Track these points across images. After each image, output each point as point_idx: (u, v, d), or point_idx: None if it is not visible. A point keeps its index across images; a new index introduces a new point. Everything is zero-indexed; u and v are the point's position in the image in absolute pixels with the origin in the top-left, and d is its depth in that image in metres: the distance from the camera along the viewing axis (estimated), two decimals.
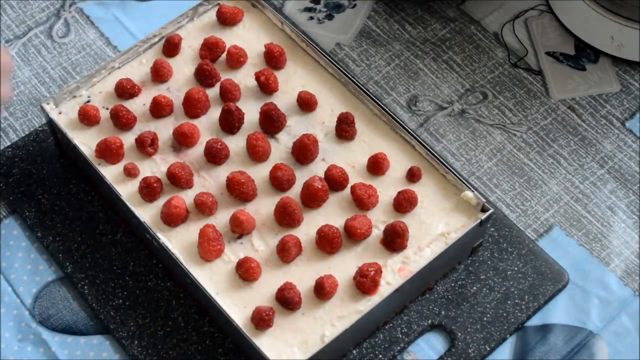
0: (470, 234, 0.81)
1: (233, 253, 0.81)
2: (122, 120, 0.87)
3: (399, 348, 0.82)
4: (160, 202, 0.83)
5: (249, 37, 0.94)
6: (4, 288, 0.87)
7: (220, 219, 0.83)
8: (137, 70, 0.92)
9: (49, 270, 0.88)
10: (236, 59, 0.92)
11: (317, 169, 0.85)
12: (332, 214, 0.83)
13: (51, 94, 0.99)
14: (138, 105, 0.90)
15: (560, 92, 0.99)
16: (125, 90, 0.89)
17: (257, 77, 0.90)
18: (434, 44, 1.03)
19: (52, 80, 1.00)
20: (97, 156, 0.86)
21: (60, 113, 0.89)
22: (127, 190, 0.84)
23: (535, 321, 0.84)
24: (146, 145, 0.85)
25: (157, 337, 0.83)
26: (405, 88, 0.99)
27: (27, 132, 0.96)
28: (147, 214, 0.83)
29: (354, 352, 0.82)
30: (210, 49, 0.92)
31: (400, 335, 0.83)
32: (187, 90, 0.88)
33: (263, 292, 0.79)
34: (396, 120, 0.86)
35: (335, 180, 0.83)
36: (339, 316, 0.77)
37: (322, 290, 0.77)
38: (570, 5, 1.01)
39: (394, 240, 0.80)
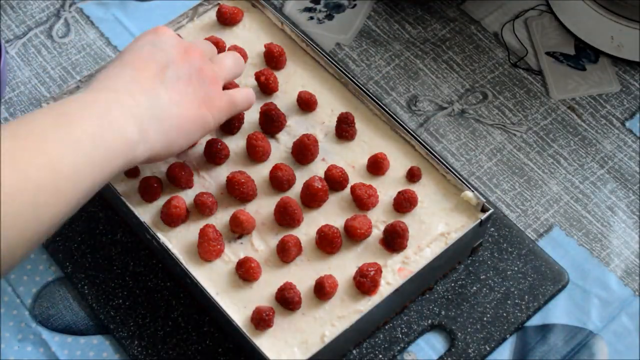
0: (470, 234, 0.81)
1: (233, 253, 0.81)
2: None
3: (399, 348, 0.82)
4: (160, 202, 0.83)
5: (249, 37, 0.94)
6: (4, 288, 0.87)
7: (220, 219, 0.83)
8: None
9: (49, 270, 0.88)
10: None
11: (317, 169, 0.85)
12: (332, 214, 0.83)
13: (51, 94, 0.99)
14: None
15: (560, 92, 0.99)
16: None
17: (257, 77, 0.90)
18: (434, 44, 1.03)
19: (52, 80, 1.00)
20: None
21: None
22: (127, 190, 0.84)
23: (535, 321, 0.84)
24: None
25: (157, 337, 0.83)
26: (405, 88, 0.99)
27: None
28: (147, 214, 0.83)
29: (354, 352, 0.82)
30: None
31: (400, 335, 0.83)
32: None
33: (263, 292, 0.79)
34: (396, 120, 0.86)
35: (335, 180, 0.83)
36: (339, 316, 0.77)
37: (322, 290, 0.77)
38: (570, 5, 1.01)
39: (394, 240, 0.80)
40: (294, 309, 0.78)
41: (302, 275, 0.79)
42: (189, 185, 0.84)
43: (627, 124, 0.97)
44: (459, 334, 0.83)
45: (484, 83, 1.00)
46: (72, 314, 0.85)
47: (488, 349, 0.82)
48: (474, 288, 0.85)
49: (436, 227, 0.82)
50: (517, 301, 0.84)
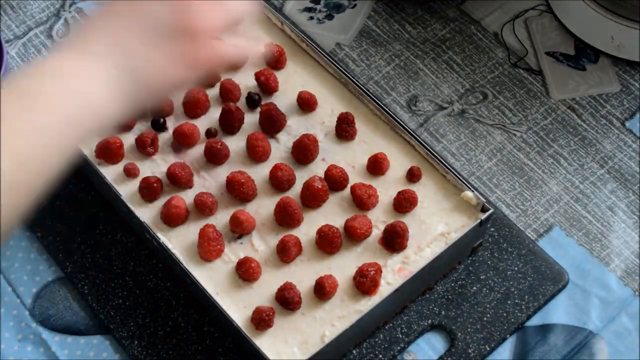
0: (470, 234, 0.81)
1: (233, 253, 0.81)
2: None
3: (399, 348, 0.82)
4: (160, 202, 0.83)
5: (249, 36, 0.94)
6: (4, 288, 0.87)
7: (220, 219, 0.83)
8: None
9: (49, 270, 0.88)
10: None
11: (317, 169, 0.85)
12: (332, 214, 0.83)
13: None
14: None
15: (560, 92, 0.99)
16: None
17: (257, 77, 0.90)
18: (434, 44, 1.03)
19: None
20: (97, 156, 0.86)
21: None
22: (127, 190, 0.84)
23: (535, 321, 0.84)
24: (146, 146, 0.85)
25: (157, 337, 0.83)
26: (405, 88, 0.99)
27: None
28: (147, 214, 0.83)
29: (354, 352, 0.82)
30: None
31: (400, 335, 0.83)
32: (187, 90, 0.88)
33: (263, 292, 0.79)
34: (396, 120, 0.86)
35: (335, 180, 0.83)
36: (339, 316, 0.77)
37: (322, 290, 0.77)
38: (570, 5, 1.01)
39: (394, 240, 0.80)
40: (294, 309, 0.78)
41: (302, 275, 0.79)
42: (189, 185, 0.84)
43: (627, 124, 0.97)
44: (459, 334, 0.83)
45: (484, 83, 1.00)
46: (72, 314, 0.85)
47: (488, 349, 0.82)
48: (474, 288, 0.85)
49: (436, 227, 0.82)
50: (517, 301, 0.84)
